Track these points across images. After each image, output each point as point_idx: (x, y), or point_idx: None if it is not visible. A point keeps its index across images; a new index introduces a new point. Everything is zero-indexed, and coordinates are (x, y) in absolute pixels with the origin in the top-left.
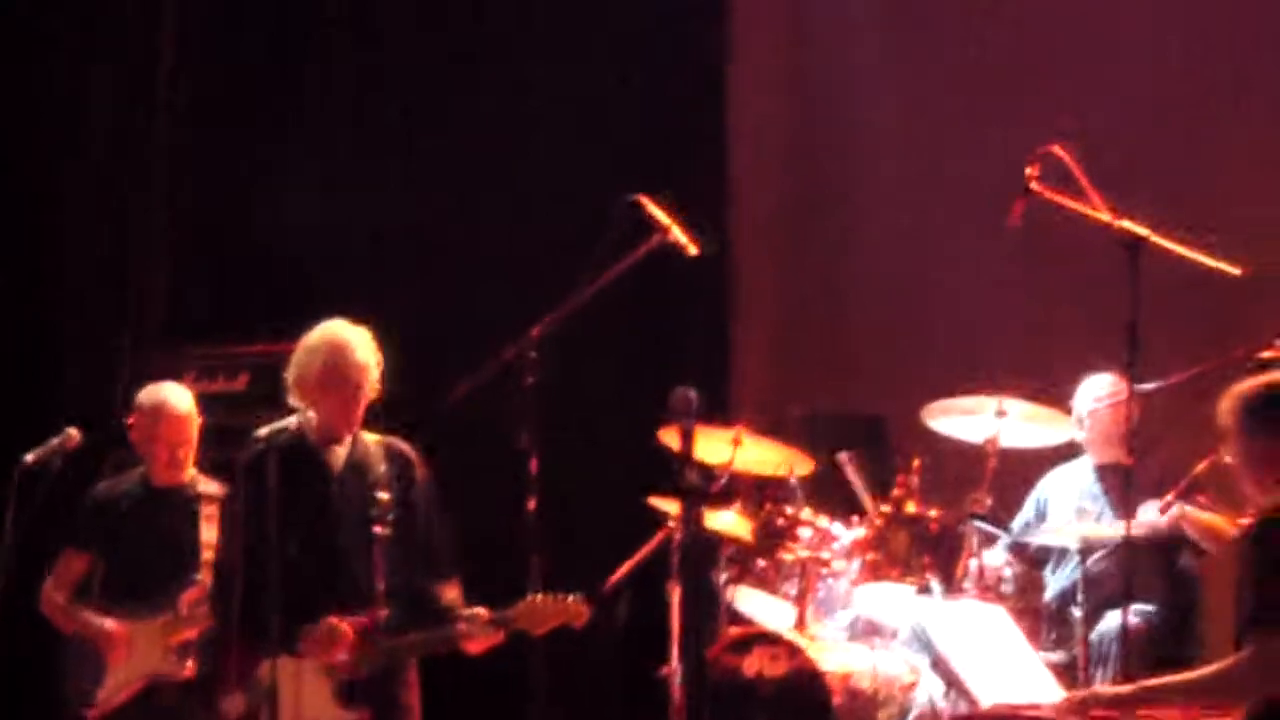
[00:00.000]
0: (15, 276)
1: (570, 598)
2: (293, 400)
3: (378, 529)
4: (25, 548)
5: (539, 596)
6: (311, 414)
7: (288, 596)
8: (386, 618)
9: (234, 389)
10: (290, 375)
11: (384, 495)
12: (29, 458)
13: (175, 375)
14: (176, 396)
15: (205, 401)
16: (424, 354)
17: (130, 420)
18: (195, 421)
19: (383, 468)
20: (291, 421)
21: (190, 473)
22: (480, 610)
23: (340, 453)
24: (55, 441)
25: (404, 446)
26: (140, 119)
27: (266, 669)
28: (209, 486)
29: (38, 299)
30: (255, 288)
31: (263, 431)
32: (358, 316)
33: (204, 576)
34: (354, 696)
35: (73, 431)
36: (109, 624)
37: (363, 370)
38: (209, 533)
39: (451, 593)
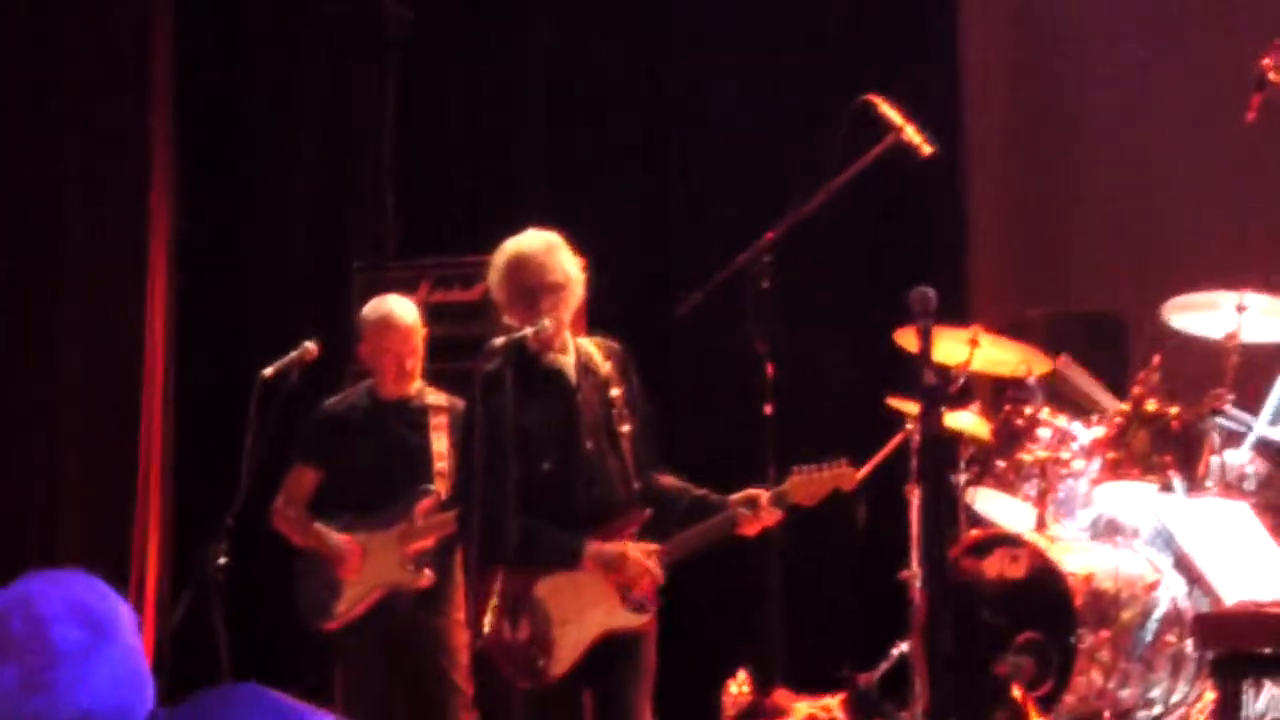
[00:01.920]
0: (246, 196)
1: (836, 462)
2: (503, 318)
3: (624, 428)
4: (265, 463)
5: (805, 468)
6: (548, 321)
7: (545, 510)
8: (650, 517)
9: (469, 298)
10: (495, 291)
11: (617, 393)
12: (267, 371)
13: (409, 287)
14: (401, 308)
15: (441, 311)
16: (656, 261)
17: (358, 334)
18: (421, 332)
19: (607, 366)
20: (528, 332)
21: (417, 384)
22: (757, 491)
23: (567, 360)
24: (293, 355)
25: (615, 343)
26: (365, 42)
27: (544, 587)
28: (437, 398)
29: (267, 215)
30: (485, 200)
31: (498, 342)
32: (587, 226)
33: (437, 486)
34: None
35: (310, 345)
36: (343, 537)
37: (560, 273)
38: (439, 443)
39: (668, 478)
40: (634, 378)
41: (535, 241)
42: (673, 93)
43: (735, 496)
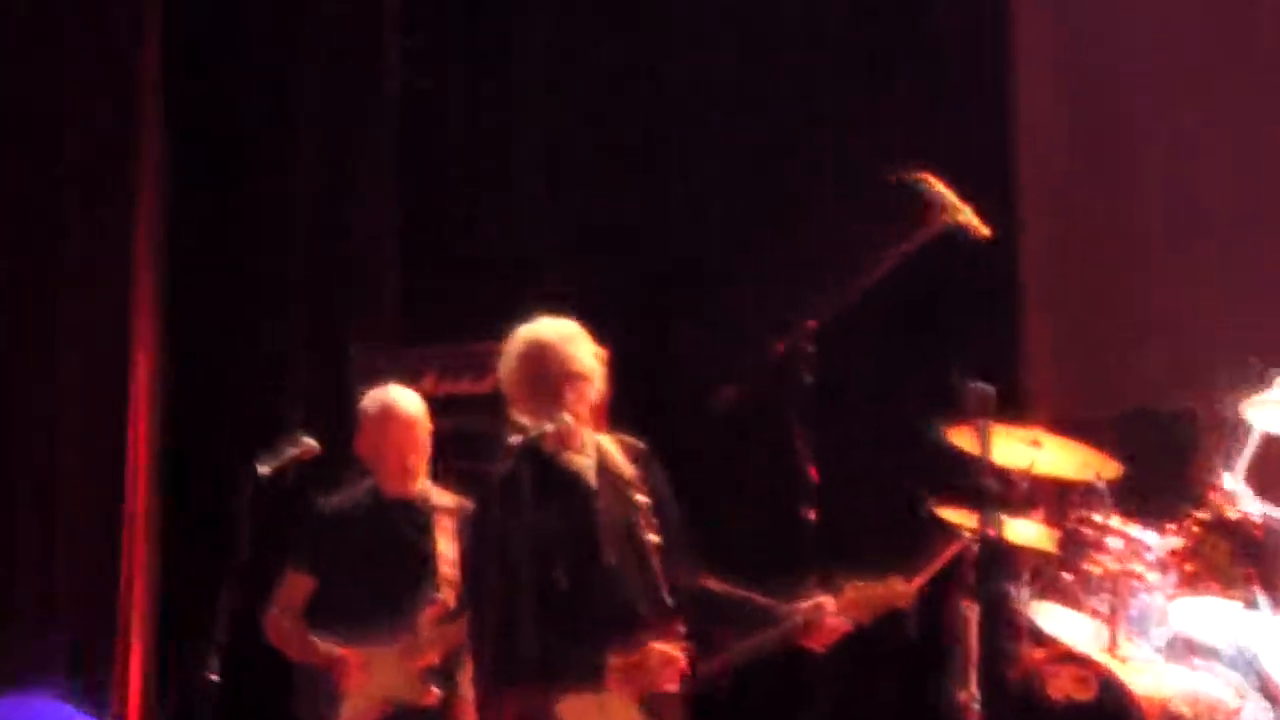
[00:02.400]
0: (241, 279)
1: (891, 578)
2: (514, 413)
3: (650, 537)
4: (257, 567)
5: (857, 583)
6: (567, 417)
7: (563, 625)
8: (683, 630)
9: (479, 390)
10: (506, 383)
11: (642, 499)
12: (263, 468)
13: (413, 377)
14: (404, 399)
15: (447, 405)
16: (677, 351)
17: (356, 428)
18: (427, 426)
19: (630, 469)
20: (546, 429)
21: (422, 483)
22: (825, 599)
23: (587, 461)
24: (292, 451)
25: (639, 443)
26: (366, 114)
27: (566, 707)
28: (443, 498)
29: (264, 301)
30: (491, 286)
31: (513, 440)
32: (600, 312)
33: (443, 594)
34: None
35: (310, 441)
36: (342, 650)
37: (583, 364)
38: (446, 547)
39: (717, 583)
40: (661, 480)
41: (555, 329)
42: (694, 167)
43: (802, 605)
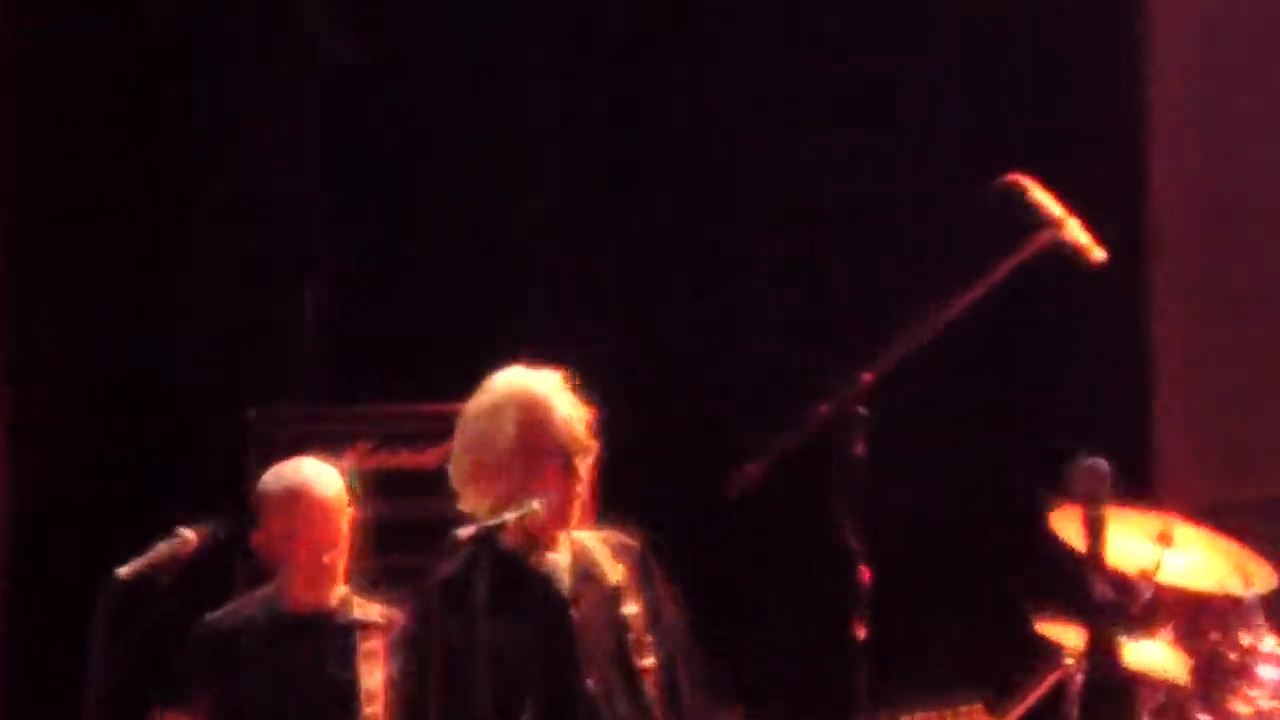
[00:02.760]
0: (106, 321)
1: (967, 706)
2: (464, 497)
3: (644, 660)
4: (119, 705)
5: (923, 715)
6: (537, 504)
7: None
8: None
9: (421, 465)
10: (463, 455)
11: (634, 610)
12: (124, 571)
13: (334, 449)
14: (320, 478)
15: (380, 484)
16: (687, 417)
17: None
18: (347, 514)
19: (619, 572)
20: (508, 519)
21: (340, 591)
22: None
23: (559, 560)
24: (163, 547)
25: (630, 539)
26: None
27: None
28: (368, 611)
29: (135, 350)
30: (441, 330)
31: (466, 532)
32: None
33: None
34: None
35: (188, 534)
36: None
37: (570, 429)
38: (370, 678)
39: None
40: (660, 587)
41: (544, 382)
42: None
43: None
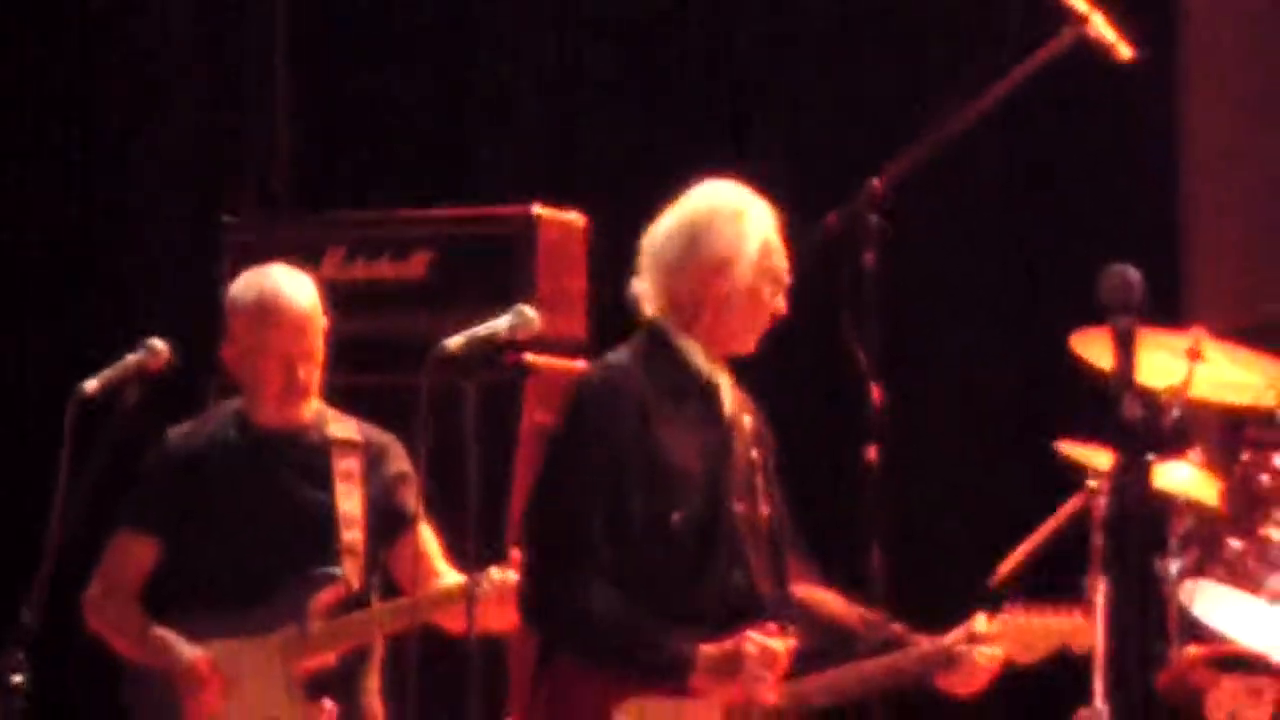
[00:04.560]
0: (70, 124)
1: (1069, 611)
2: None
3: (764, 509)
4: (84, 527)
5: (1018, 608)
6: (532, 312)
7: (658, 589)
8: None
9: (406, 275)
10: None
11: (756, 454)
12: (89, 385)
13: (309, 254)
14: (290, 286)
15: (359, 294)
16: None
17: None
18: (321, 325)
19: (748, 420)
20: (501, 324)
21: (314, 406)
22: (976, 625)
23: (724, 382)
24: (130, 359)
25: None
26: None
27: (629, 712)
28: (344, 427)
29: (98, 154)
30: (423, 133)
31: (455, 342)
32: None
33: (345, 568)
34: None
35: (157, 344)
36: (191, 651)
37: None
38: (348, 500)
39: (830, 598)
40: (772, 444)
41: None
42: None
43: (949, 638)
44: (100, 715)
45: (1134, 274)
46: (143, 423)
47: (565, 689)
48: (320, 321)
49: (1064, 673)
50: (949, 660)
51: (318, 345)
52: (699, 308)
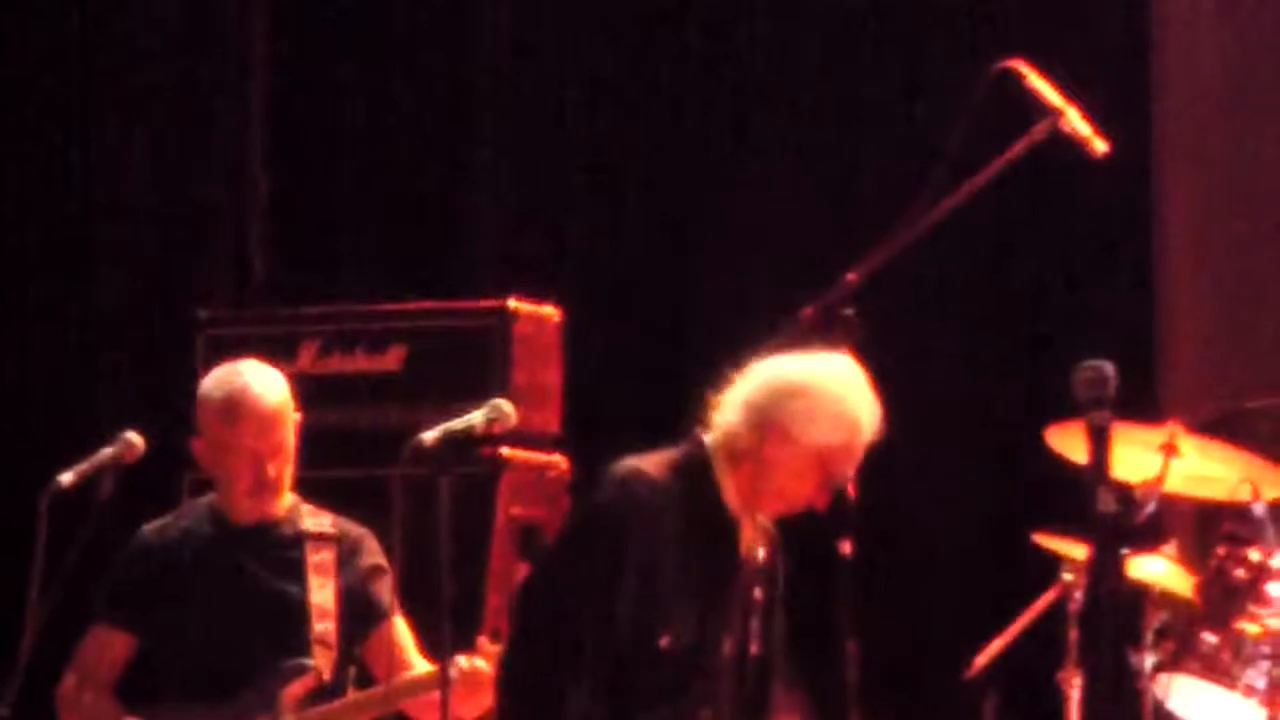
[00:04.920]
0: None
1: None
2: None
3: (753, 647)
4: (65, 609)
5: None
6: (508, 407)
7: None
8: None
9: (381, 368)
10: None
11: (759, 593)
12: (64, 479)
13: (283, 349)
14: (262, 382)
15: (334, 387)
16: (657, 327)
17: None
18: (291, 419)
19: (760, 553)
20: (477, 420)
21: (288, 500)
22: None
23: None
24: (106, 452)
25: (770, 524)
26: None
27: None
28: (318, 521)
29: (75, 248)
30: (400, 227)
31: (430, 435)
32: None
33: (316, 660)
34: None
35: (132, 438)
36: None
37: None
38: (321, 593)
39: None
40: (782, 575)
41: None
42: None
43: None
44: None
45: (1108, 369)
46: (117, 516)
47: None
48: (290, 416)
49: None
50: None
51: (287, 441)
52: (746, 457)
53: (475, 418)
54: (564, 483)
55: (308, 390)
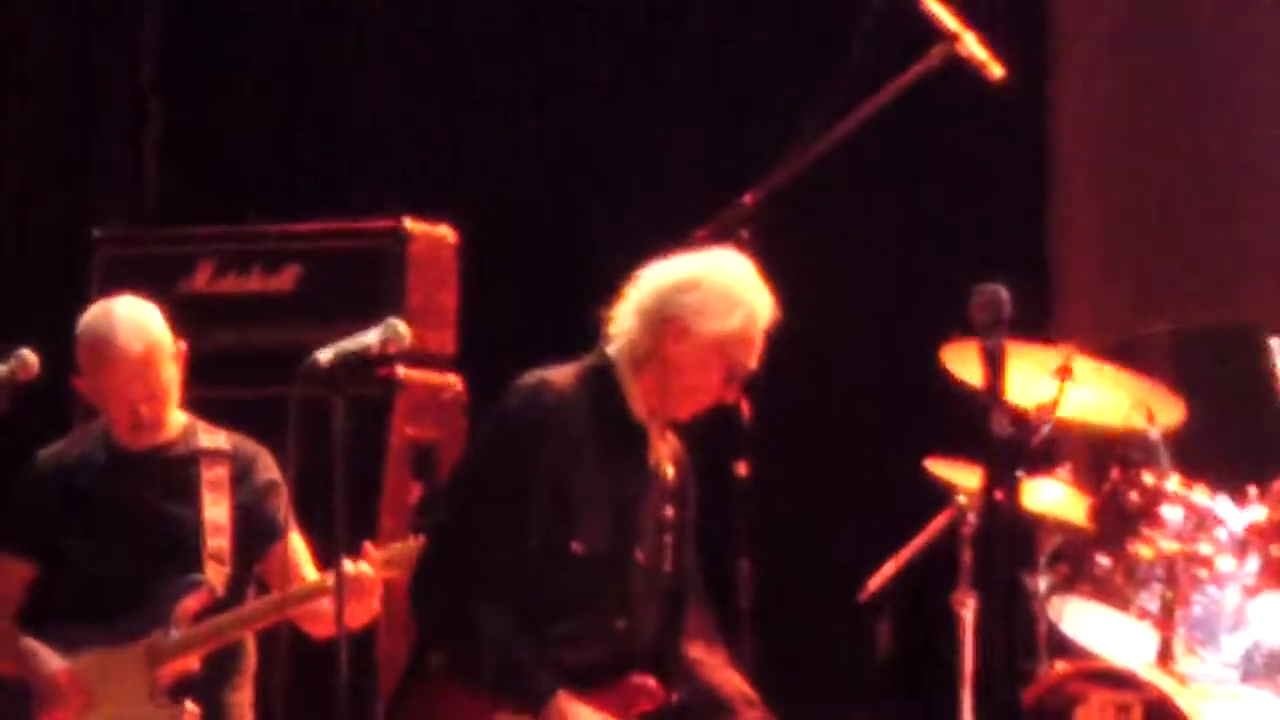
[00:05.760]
0: None
1: None
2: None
3: (666, 566)
4: None
5: None
6: (403, 328)
7: (540, 613)
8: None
9: (276, 288)
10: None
11: (670, 511)
12: None
13: (180, 268)
14: (130, 327)
15: (229, 308)
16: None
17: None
18: (166, 361)
19: (670, 472)
20: (371, 337)
21: (177, 422)
22: None
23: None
24: (1, 370)
25: (679, 444)
26: None
27: None
28: (213, 438)
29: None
30: (304, 147)
31: (325, 355)
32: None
33: (209, 575)
34: None
35: (27, 356)
36: (55, 663)
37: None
38: (215, 509)
39: (723, 669)
40: (693, 496)
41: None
42: None
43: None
44: None
45: (1004, 293)
46: (10, 436)
47: (435, 700)
48: (164, 356)
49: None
50: None
51: (161, 382)
52: (648, 360)
53: (370, 337)
54: (460, 404)
55: (203, 310)
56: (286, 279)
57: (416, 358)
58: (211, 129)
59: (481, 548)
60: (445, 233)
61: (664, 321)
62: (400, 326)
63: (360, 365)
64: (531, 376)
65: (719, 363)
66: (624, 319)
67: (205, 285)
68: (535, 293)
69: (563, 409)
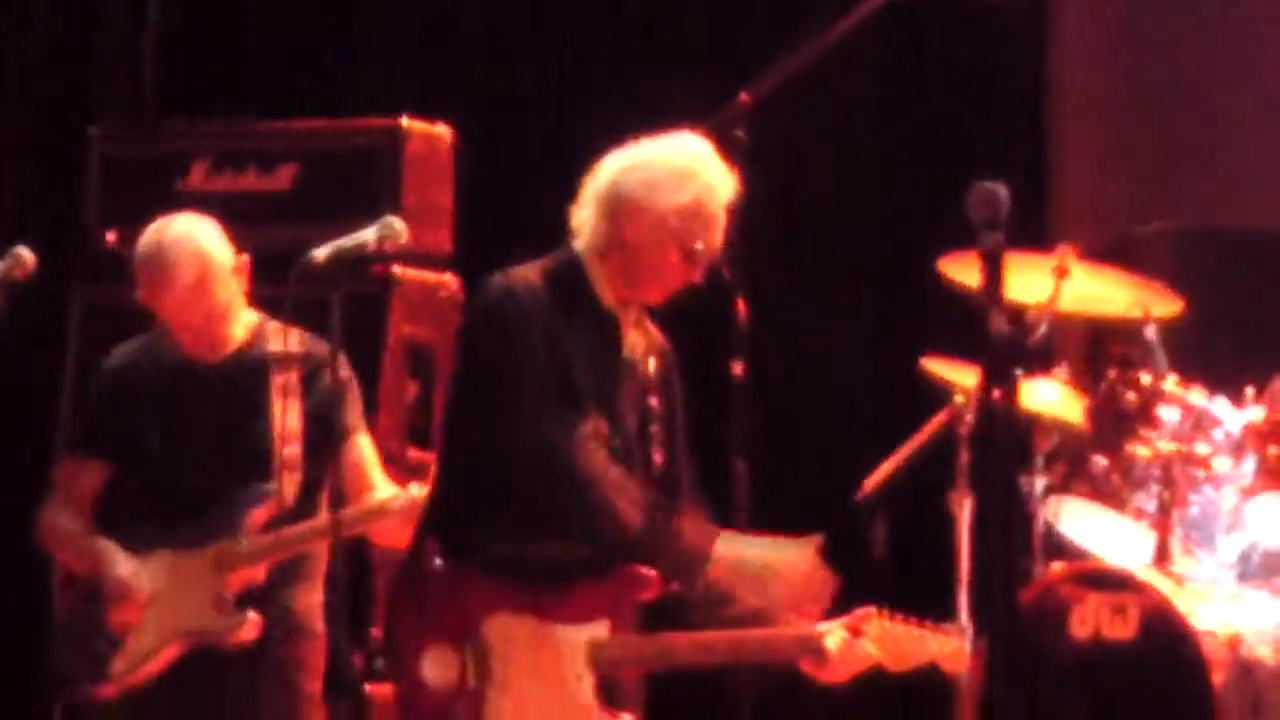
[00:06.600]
0: None
1: (943, 625)
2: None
3: (655, 455)
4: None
5: (892, 618)
6: (399, 224)
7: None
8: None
9: (272, 186)
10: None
11: (654, 401)
12: None
13: (179, 166)
14: (181, 250)
15: (224, 205)
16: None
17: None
18: (222, 279)
19: (650, 364)
20: (368, 235)
21: (247, 325)
22: (854, 625)
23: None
24: None
25: (663, 338)
26: None
27: (497, 624)
28: (283, 340)
29: None
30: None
31: (322, 253)
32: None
33: (281, 483)
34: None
35: (24, 253)
36: (123, 564)
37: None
38: (286, 416)
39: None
40: (679, 390)
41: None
42: None
43: (823, 628)
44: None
45: (1001, 190)
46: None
47: (435, 595)
48: (218, 277)
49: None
50: (819, 650)
51: (218, 303)
52: (610, 246)
53: (367, 235)
54: (456, 302)
55: (199, 208)
56: (283, 177)
57: (413, 257)
58: (212, 28)
59: (491, 461)
60: (442, 131)
61: (619, 204)
62: (397, 224)
63: (357, 263)
64: (497, 276)
65: (677, 238)
66: (583, 209)
67: (201, 183)
68: (532, 193)
69: (534, 302)
